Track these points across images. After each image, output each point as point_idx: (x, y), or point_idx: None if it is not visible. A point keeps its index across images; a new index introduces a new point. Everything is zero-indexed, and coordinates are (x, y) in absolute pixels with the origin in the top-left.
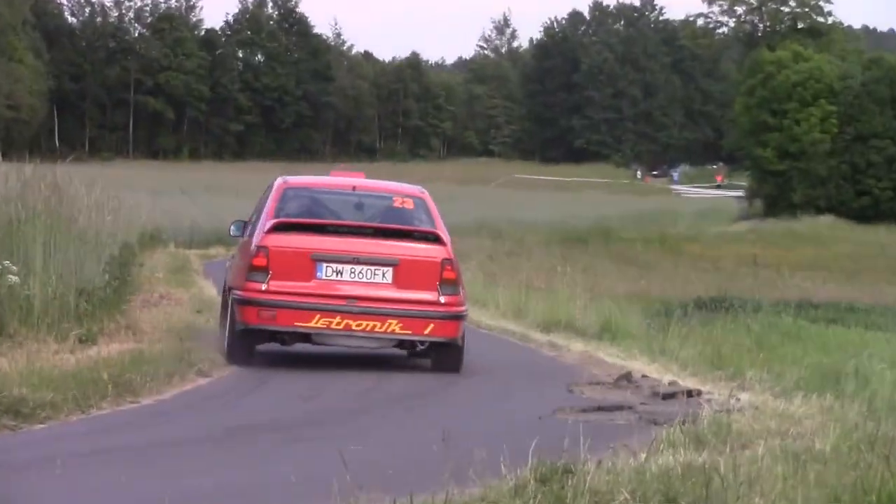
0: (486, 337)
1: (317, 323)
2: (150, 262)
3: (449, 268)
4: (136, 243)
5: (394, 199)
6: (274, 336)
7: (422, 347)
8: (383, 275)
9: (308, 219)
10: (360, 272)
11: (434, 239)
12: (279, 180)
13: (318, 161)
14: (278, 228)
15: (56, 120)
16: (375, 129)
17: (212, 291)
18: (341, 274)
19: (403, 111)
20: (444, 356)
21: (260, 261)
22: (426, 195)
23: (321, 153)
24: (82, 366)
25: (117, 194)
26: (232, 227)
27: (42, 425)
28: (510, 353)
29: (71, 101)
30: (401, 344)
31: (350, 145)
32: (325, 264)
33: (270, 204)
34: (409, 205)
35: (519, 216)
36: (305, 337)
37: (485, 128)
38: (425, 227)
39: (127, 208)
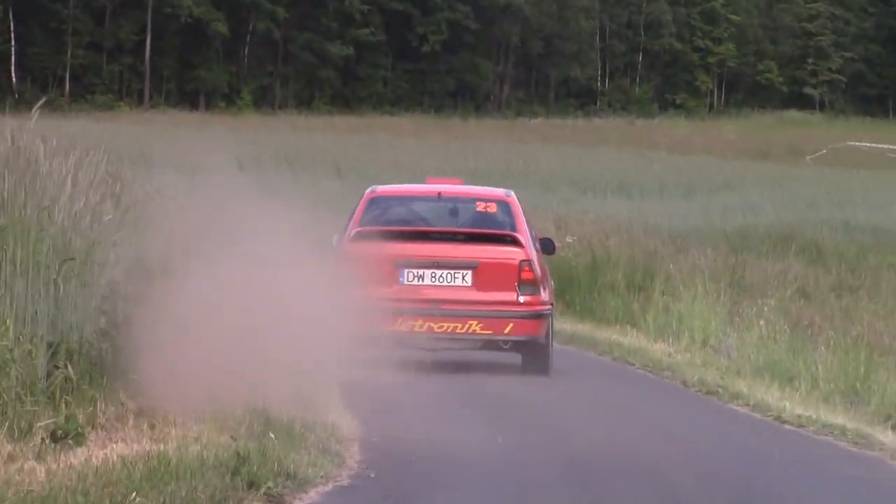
0: (791, 439)
1: (400, 326)
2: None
3: (527, 268)
4: (158, 261)
5: (477, 203)
6: (361, 342)
7: (506, 347)
8: (463, 278)
9: (390, 226)
10: (441, 276)
11: (512, 241)
12: (368, 190)
13: (486, 116)
14: (361, 236)
15: (13, 41)
16: (595, 58)
17: None
18: (422, 278)
19: (646, 24)
20: (530, 356)
21: (345, 267)
22: (512, 198)
23: (492, 98)
24: (55, 487)
25: (122, 170)
26: (335, 237)
27: None
28: (839, 475)
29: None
30: (485, 345)
31: (546, 85)
32: (406, 270)
33: (357, 213)
34: (493, 209)
35: (853, 218)
36: (391, 342)
37: (793, 56)
38: (503, 230)
39: (141, 195)
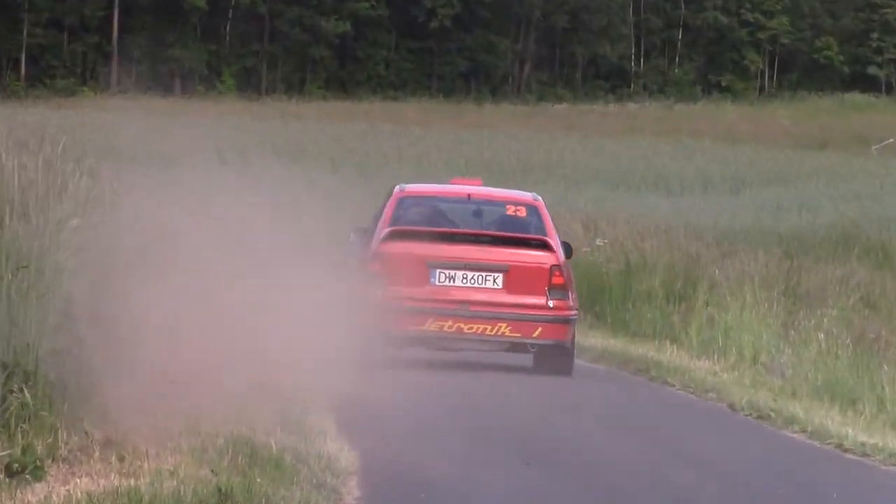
0: (854, 471)
1: (430, 326)
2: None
3: (558, 273)
4: (129, 268)
5: (507, 206)
6: (388, 340)
7: (532, 350)
8: (494, 280)
9: (422, 226)
10: (472, 278)
11: (543, 246)
12: (397, 188)
13: (504, 101)
14: (394, 236)
15: None
16: (628, 34)
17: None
18: (454, 280)
19: None
20: (555, 359)
21: (376, 266)
22: (539, 202)
23: (510, 81)
24: None
25: (86, 165)
26: (352, 235)
27: None
28: None
29: None
30: (512, 348)
31: (572, 66)
32: (438, 270)
33: (387, 212)
34: (522, 212)
35: None
36: (420, 342)
37: (856, 32)
38: (535, 235)
39: (109, 194)
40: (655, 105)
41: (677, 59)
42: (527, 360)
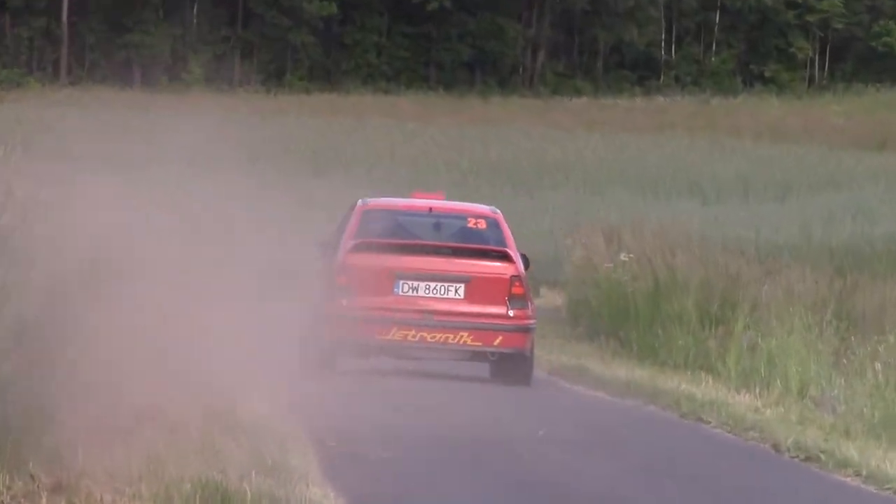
0: None
1: (394, 336)
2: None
3: (517, 283)
4: (82, 283)
5: (468, 219)
6: (353, 349)
7: (493, 359)
8: (456, 290)
9: (386, 239)
10: (435, 288)
11: (503, 257)
12: (359, 202)
13: (514, 94)
14: (359, 248)
15: None
16: (658, 17)
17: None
18: (417, 290)
19: None
20: (514, 368)
21: (343, 279)
22: (499, 215)
23: (520, 71)
24: None
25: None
26: (315, 248)
27: None
28: None
29: None
30: (473, 357)
31: (593, 53)
32: (401, 281)
33: (351, 225)
34: (482, 225)
35: None
36: (384, 351)
37: None
38: (496, 246)
39: (60, 199)
40: (689, 99)
41: (714, 46)
42: (483, 369)
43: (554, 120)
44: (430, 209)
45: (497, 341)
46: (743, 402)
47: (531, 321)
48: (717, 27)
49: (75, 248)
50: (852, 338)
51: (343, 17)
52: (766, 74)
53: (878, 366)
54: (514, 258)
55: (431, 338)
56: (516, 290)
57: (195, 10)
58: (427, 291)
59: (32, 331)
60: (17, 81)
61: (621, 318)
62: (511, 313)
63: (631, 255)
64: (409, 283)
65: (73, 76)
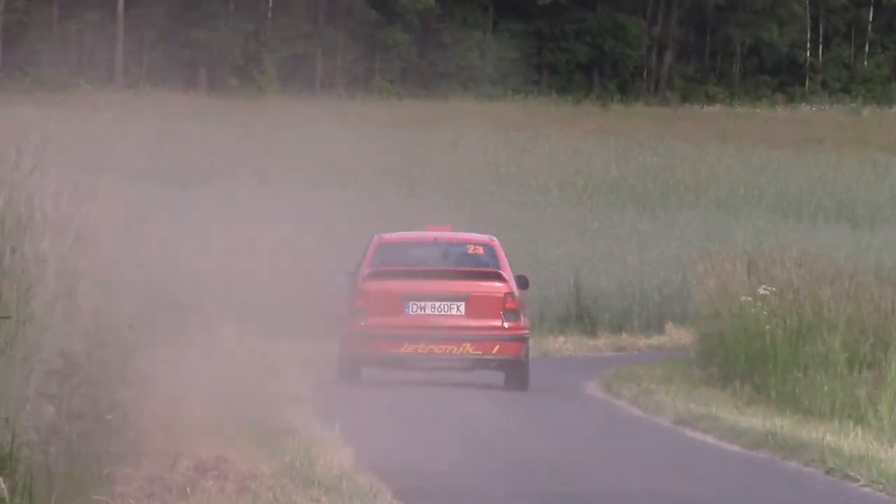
0: None
1: (405, 349)
2: (170, 374)
3: (511, 300)
4: (135, 321)
5: (468, 247)
6: (373, 361)
7: (493, 367)
8: (458, 308)
9: (396, 266)
10: (440, 307)
11: (497, 277)
12: (376, 237)
13: (637, 100)
14: (374, 275)
15: None
16: (804, 15)
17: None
18: (424, 309)
19: None
20: (512, 374)
21: (361, 302)
22: (495, 242)
23: (645, 74)
24: None
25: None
26: (341, 277)
27: None
28: None
29: None
30: (475, 366)
31: (728, 55)
32: (411, 302)
33: (368, 257)
34: (480, 251)
35: None
36: (399, 363)
37: None
38: (490, 269)
39: (115, 219)
40: (837, 108)
41: (867, 48)
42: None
43: (683, 130)
44: (435, 240)
45: (495, 349)
46: None
47: (525, 331)
48: (870, 26)
49: (130, 275)
50: None
51: (441, 11)
52: None
53: None
54: (506, 278)
55: (438, 349)
56: (509, 305)
57: (270, 3)
58: (433, 310)
59: (80, 370)
60: (65, 83)
61: (758, 359)
62: (506, 325)
63: (771, 288)
64: (418, 303)
65: (129, 78)
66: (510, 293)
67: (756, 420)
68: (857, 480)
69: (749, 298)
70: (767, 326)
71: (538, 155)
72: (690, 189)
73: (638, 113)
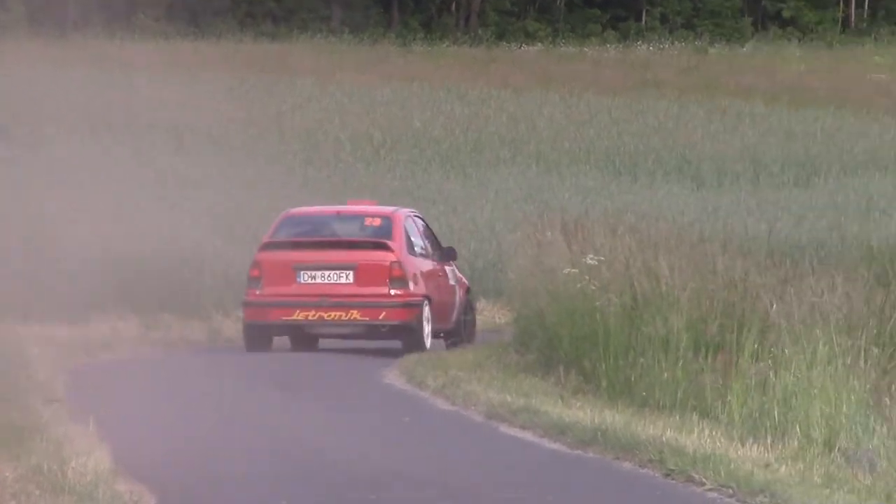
0: None
1: (297, 316)
2: None
3: (397, 268)
4: None
5: (365, 219)
6: (270, 330)
7: (384, 331)
8: (346, 276)
9: (290, 238)
10: (329, 275)
11: (385, 247)
12: (284, 212)
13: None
14: (269, 246)
15: None
16: None
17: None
18: (315, 278)
19: None
20: (406, 339)
21: (255, 272)
22: (398, 214)
23: (452, 7)
24: None
25: None
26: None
27: None
28: None
29: None
30: (368, 332)
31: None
32: (303, 271)
33: (271, 228)
34: (377, 223)
35: None
36: (290, 330)
37: None
38: (380, 238)
39: None
40: (679, 47)
41: None
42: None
43: (497, 75)
44: (338, 213)
45: (382, 315)
46: (749, 456)
47: (412, 298)
48: None
49: None
50: None
51: None
52: (785, 14)
53: None
54: (394, 248)
55: (328, 316)
56: (396, 272)
57: None
58: (323, 279)
59: None
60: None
61: (587, 342)
62: (393, 292)
63: (600, 258)
64: (309, 272)
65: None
66: (397, 262)
67: (584, 413)
68: (703, 484)
69: (574, 271)
70: (597, 304)
71: (327, 104)
72: (507, 143)
73: (445, 54)
